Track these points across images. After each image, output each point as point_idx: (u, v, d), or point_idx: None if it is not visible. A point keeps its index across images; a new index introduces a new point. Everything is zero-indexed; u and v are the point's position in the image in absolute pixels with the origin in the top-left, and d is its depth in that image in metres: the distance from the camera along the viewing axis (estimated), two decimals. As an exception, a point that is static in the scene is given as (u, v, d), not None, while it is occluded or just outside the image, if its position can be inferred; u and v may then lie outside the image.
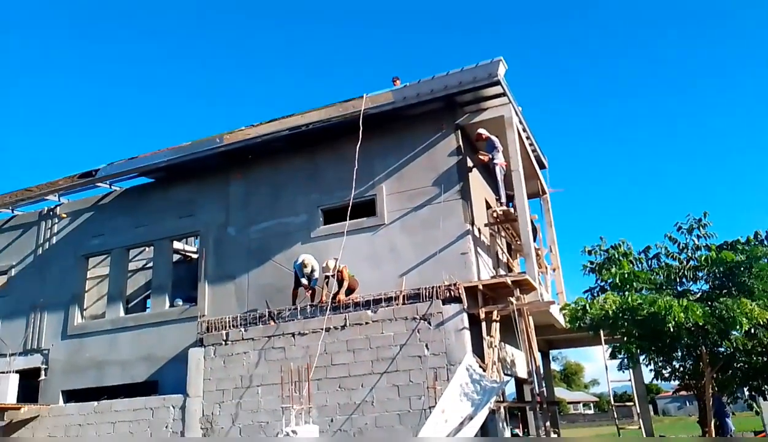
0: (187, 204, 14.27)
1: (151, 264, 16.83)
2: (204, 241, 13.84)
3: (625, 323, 8.62)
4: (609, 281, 9.18)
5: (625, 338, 9.19)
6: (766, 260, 8.82)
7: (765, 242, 9.09)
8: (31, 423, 13.47)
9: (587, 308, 8.64)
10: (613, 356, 8.99)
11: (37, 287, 15.15)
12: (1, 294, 15.81)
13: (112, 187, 15.16)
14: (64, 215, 15.59)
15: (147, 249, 16.52)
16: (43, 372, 14.32)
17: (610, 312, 8.27)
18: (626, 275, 8.88)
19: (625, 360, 8.90)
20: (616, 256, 9.35)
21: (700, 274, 9.43)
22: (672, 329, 7.76)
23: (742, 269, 8.75)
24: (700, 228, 9.51)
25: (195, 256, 16.26)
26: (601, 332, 9.98)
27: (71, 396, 13.94)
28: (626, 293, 8.72)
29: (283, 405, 10.32)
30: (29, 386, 14.27)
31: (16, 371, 14.27)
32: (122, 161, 14.42)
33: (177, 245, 15.78)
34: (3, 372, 14.31)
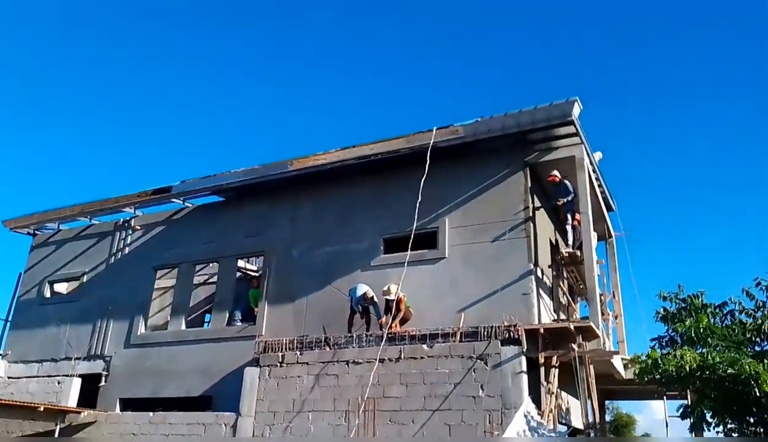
0: (255, 224, 14.60)
1: (211, 279, 17.26)
2: (267, 261, 14.08)
3: (698, 382, 8.16)
4: (681, 332, 8.73)
5: (696, 397, 8.70)
6: None
7: None
8: (88, 428, 13.79)
9: (660, 361, 8.22)
10: (684, 416, 8.47)
11: (106, 295, 15.67)
12: (73, 298, 16.47)
13: (185, 203, 15.70)
14: (139, 227, 16.16)
15: (210, 265, 16.93)
16: (103, 378, 14.69)
17: (687, 368, 7.83)
18: (702, 329, 8.43)
19: (698, 422, 8.39)
20: (693, 307, 8.88)
21: (779, 334, 8.84)
22: (758, 394, 7.29)
23: (827, 333, 8.18)
24: (781, 286, 8.93)
25: (254, 274, 16.54)
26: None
27: (128, 404, 14.26)
28: (703, 349, 8.27)
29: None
30: (89, 391, 14.72)
31: (79, 375, 14.82)
32: (196, 179, 14.94)
33: (239, 262, 16.13)
34: (67, 375, 14.87)
